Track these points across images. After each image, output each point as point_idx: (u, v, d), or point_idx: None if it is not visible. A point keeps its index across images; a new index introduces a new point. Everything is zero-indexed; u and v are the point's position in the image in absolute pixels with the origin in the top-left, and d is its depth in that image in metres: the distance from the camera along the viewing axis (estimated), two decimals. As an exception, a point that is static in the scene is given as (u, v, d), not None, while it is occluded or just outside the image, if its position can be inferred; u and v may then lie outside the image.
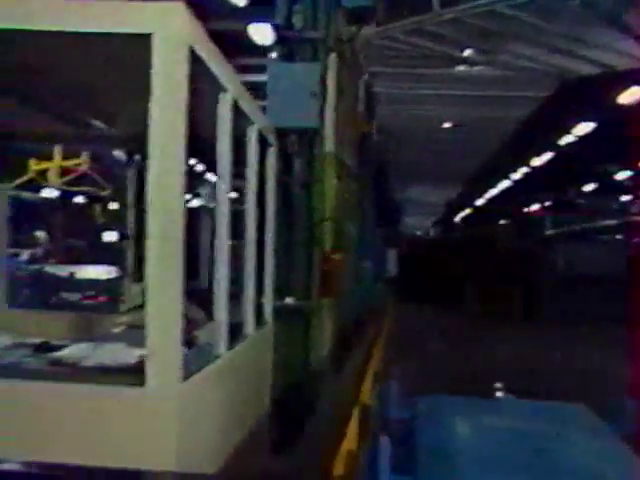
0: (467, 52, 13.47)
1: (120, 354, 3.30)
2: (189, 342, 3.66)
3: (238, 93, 4.38)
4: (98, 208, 27.47)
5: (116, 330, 4.08)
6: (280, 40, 6.91)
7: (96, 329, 5.32)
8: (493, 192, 34.16)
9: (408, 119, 20.84)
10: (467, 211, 40.83)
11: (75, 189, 11.07)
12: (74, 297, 10.99)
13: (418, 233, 44.59)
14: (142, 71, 4.03)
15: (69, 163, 10.73)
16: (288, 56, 6.80)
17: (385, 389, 5.32)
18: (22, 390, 3.18)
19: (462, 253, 27.21)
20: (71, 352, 3.40)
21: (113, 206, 27.79)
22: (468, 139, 23.27)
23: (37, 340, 5.60)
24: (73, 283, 11.25)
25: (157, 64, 3.17)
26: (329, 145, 6.90)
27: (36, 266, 12.30)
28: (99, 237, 18.01)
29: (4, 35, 3.31)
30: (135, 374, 3.17)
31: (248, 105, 4.77)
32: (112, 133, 5.75)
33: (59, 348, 3.64)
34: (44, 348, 3.73)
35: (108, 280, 11.42)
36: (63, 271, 11.99)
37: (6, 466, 3.02)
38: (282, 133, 6.19)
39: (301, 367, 6.29)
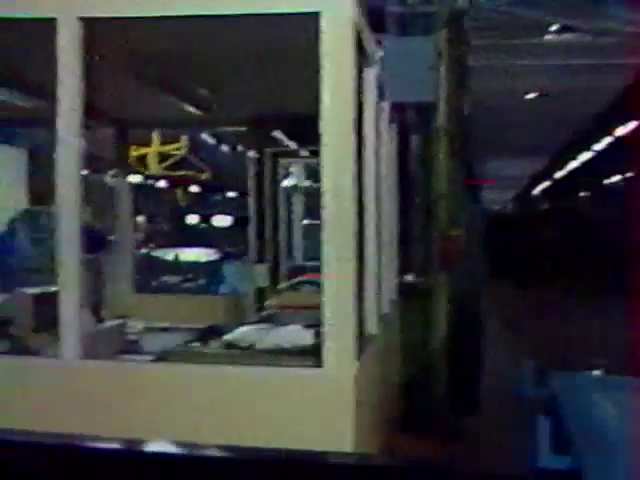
0: (562, 20, 13.09)
1: (296, 335, 3.30)
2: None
3: (379, 69, 4.35)
4: (180, 191, 27.88)
5: (269, 312, 4.09)
6: (389, 15, 6.82)
7: (234, 311, 5.40)
8: (574, 164, 33.33)
9: (490, 91, 20.43)
10: (547, 184, 40.00)
11: (174, 174, 11.32)
12: (174, 280, 11.13)
13: (496, 208, 43.91)
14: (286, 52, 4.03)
15: (168, 148, 10.94)
16: (400, 30, 6.71)
17: (519, 367, 5.24)
18: (202, 374, 3.22)
19: (546, 227, 26.67)
20: (244, 335, 3.42)
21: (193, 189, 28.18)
22: (552, 110, 22.68)
23: (165, 324, 5.69)
24: (175, 266, 11.44)
25: (326, 44, 3.12)
26: (443, 119, 6.79)
27: (144, 250, 12.54)
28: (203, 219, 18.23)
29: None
30: (313, 355, 3.17)
31: (383, 81, 4.74)
32: (238, 116, 5.77)
33: (225, 331, 3.67)
34: (212, 332, 3.76)
35: (208, 262, 11.58)
36: (167, 254, 12.20)
37: (191, 450, 3.06)
38: (398, 108, 6.13)
39: (424, 346, 6.25)
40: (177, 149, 10.69)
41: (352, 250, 3.13)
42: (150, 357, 4.09)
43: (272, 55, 4.24)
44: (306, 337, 3.27)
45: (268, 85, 5.00)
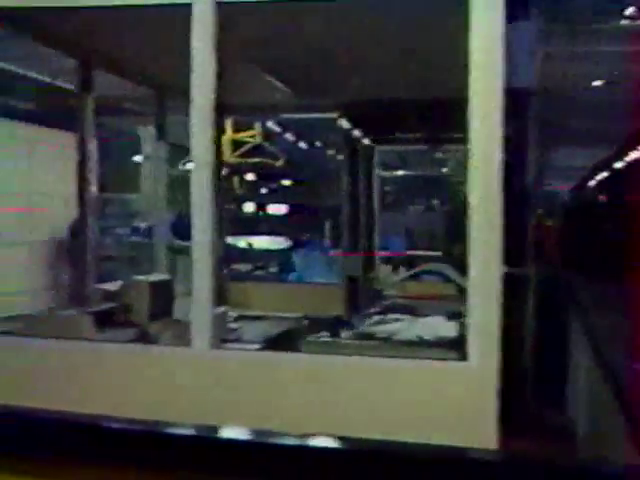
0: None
1: (437, 327, 3.22)
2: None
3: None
4: (237, 179, 27.95)
5: (390, 302, 4.01)
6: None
7: (335, 300, 5.34)
8: (636, 155, 32.53)
9: (553, 78, 20.02)
10: (605, 174, 39.16)
11: (248, 161, 11.29)
12: (245, 268, 11.12)
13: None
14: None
15: (242, 135, 10.88)
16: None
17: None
18: (341, 365, 3.14)
19: (613, 219, 26.17)
20: (381, 325, 3.34)
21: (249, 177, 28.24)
22: (620, 98, 22.08)
23: (255, 312, 5.64)
24: (246, 254, 11.42)
25: (477, 26, 3.02)
26: (537, 107, 6.63)
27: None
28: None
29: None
30: (456, 347, 3.09)
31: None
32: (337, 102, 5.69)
33: (349, 321, 3.60)
34: (340, 323, 3.69)
35: (279, 250, 11.55)
36: (241, 242, 12.18)
37: (323, 442, 3.01)
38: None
39: (521, 338, 6.10)
40: (252, 136, 10.61)
41: (499, 238, 3.04)
42: (255, 346, 4.06)
43: (387, 40, 4.16)
44: (448, 328, 3.18)
45: (373, 70, 4.91)
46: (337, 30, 4.08)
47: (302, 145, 16.52)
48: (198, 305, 3.32)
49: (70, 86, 13.72)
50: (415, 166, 18.83)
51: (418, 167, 18.77)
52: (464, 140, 6.63)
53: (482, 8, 3.01)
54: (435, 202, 21.59)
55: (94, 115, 4.95)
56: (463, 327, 3.13)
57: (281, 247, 12.22)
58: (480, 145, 3.05)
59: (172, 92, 5.71)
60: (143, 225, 12.90)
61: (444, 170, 18.61)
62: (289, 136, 15.76)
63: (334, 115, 6.33)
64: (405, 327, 3.27)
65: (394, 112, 5.71)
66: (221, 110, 5.80)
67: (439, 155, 15.92)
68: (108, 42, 4.45)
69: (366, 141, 6.24)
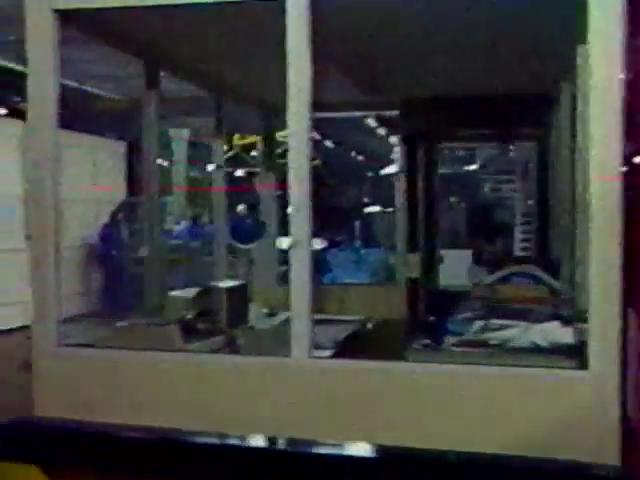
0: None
1: (553, 333, 3.07)
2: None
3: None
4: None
5: (479, 306, 3.86)
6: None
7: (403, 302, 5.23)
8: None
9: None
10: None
11: (281, 162, 11.15)
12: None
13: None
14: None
15: (279, 134, 10.63)
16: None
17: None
18: (447, 374, 3.00)
19: None
20: (489, 332, 3.20)
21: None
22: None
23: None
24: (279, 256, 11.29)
25: (595, 18, 2.89)
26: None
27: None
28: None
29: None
30: (574, 355, 2.95)
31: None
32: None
33: (443, 326, 3.45)
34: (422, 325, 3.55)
35: (315, 251, 11.40)
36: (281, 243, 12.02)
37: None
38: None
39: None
40: (285, 137, 10.36)
41: (619, 241, 2.89)
42: (327, 352, 3.92)
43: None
44: (565, 334, 3.03)
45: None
46: (407, 27, 3.95)
47: (331, 145, 16.38)
48: (297, 314, 3.20)
49: (95, 90, 13.58)
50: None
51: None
52: (532, 136, 6.44)
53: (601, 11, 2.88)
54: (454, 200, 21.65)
55: (157, 119, 4.82)
56: (580, 333, 2.99)
57: (317, 248, 12.08)
58: (599, 136, 2.91)
59: (231, 93, 5.62)
60: (178, 227, 12.78)
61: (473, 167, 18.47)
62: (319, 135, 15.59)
63: (395, 113, 6.18)
64: (519, 333, 3.12)
65: (462, 109, 5.57)
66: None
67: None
68: (174, 42, 4.33)
69: (427, 139, 6.07)
